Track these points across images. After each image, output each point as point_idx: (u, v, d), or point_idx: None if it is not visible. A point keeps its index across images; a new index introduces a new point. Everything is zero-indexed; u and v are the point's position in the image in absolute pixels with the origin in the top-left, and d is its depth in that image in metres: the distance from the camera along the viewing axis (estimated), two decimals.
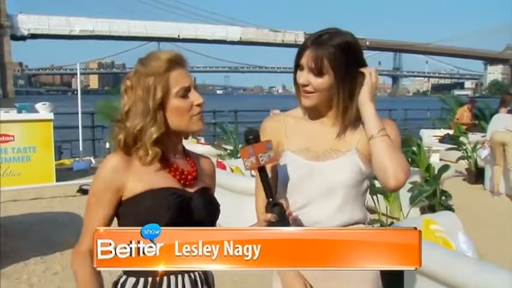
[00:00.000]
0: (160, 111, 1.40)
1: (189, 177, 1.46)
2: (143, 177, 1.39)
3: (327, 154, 1.51)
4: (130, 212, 1.39)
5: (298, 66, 1.49)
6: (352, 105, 1.48)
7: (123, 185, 1.38)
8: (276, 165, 1.55)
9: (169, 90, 1.40)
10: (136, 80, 1.41)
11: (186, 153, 1.53)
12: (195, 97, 1.43)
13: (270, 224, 1.41)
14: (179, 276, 1.39)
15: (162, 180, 1.40)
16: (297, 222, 1.47)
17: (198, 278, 1.43)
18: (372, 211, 4.11)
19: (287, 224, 1.41)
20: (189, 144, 1.49)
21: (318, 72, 1.44)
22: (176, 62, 1.42)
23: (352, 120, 1.51)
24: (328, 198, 1.49)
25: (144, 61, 1.43)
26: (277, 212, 1.39)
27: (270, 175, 1.51)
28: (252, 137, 1.39)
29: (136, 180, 1.38)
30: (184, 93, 1.42)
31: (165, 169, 1.43)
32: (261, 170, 1.41)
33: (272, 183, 1.50)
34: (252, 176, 5.95)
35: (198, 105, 1.43)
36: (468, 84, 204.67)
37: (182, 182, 1.44)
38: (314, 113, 1.55)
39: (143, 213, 1.35)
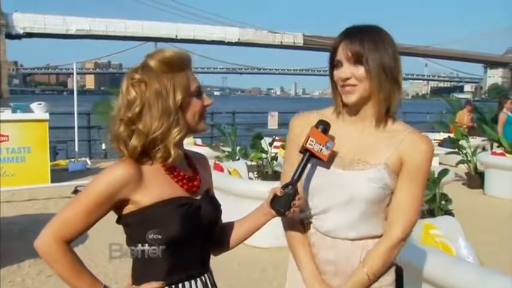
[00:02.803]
0: (180, 111, 1.35)
1: (195, 183, 1.44)
2: (151, 188, 1.35)
3: (354, 164, 1.45)
4: (140, 223, 1.35)
5: (334, 66, 1.47)
6: (385, 101, 1.43)
7: (127, 198, 1.33)
8: None
9: (189, 89, 1.37)
10: (150, 76, 1.33)
11: (185, 154, 1.49)
12: (205, 97, 1.43)
13: (272, 199, 1.41)
14: (192, 282, 1.41)
15: (170, 190, 1.37)
16: (293, 219, 1.47)
17: (208, 281, 1.46)
18: None
19: (284, 208, 1.40)
20: (186, 146, 1.47)
21: (357, 60, 1.40)
22: (190, 60, 1.40)
23: (385, 120, 1.47)
24: (347, 209, 1.45)
25: (157, 57, 1.35)
26: (287, 192, 1.40)
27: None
28: (323, 126, 1.43)
29: (144, 193, 1.34)
30: (199, 93, 1.41)
31: (172, 178, 1.39)
32: (309, 155, 1.42)
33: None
34: (250, 178, 5.90)
35: (207, 105, 1.43)
36: (468, 87, 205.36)
37: (189, 190, 1.42)
38: (351, 111, 1.50)
39: (154, 225, 1.33)
